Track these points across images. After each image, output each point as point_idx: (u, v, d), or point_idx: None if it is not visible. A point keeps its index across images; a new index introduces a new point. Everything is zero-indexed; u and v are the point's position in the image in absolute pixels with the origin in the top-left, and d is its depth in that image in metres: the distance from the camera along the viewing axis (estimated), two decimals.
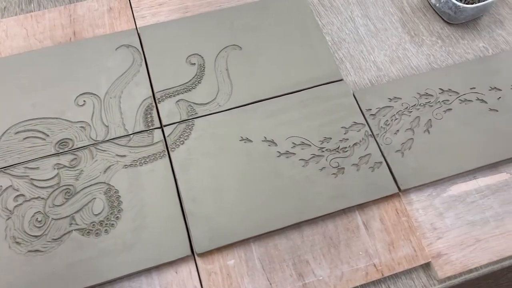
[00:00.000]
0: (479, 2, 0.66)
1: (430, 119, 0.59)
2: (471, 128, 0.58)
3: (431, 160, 0.56)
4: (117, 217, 0.52)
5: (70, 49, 0.64)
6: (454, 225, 0.53)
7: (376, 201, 0.55)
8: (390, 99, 0.60)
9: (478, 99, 0.60)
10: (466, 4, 0.67)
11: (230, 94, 0.61)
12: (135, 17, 0.68)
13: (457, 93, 0.61)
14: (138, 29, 0.66)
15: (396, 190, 0.54)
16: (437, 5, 0.68)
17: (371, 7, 0.70)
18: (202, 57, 0.63)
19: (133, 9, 0.68)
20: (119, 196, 0.54)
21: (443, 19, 0.69)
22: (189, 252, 0.51)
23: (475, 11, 0.66)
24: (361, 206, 0.54)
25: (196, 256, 0.51)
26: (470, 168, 0.56)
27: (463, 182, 0.56)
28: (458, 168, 0.56)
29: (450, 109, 0.60)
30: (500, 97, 0.60)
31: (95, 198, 0.53)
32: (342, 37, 0.68)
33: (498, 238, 0.52)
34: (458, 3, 0.64)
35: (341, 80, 0.62)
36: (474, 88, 0.61)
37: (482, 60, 0.64)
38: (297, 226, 0.53)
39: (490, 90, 0.61)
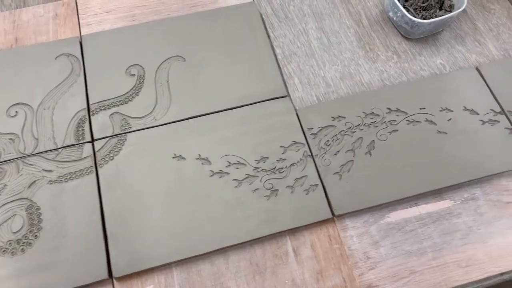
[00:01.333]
0: (437, 17, 0.63)
1: (373, 140, 0.56)
2: (416, 151, 0.55)
3: (370, 185, 0.53)
4: (36, 235, 0.50)
5: (9, 57, 0.62)
6: (389, 254, 0.50)
7: (309, 226, 0.52)
8: (334, 118, 0.58)
9: (427, 120, 0.57)
10: (423, 19, 0.64)
11: (168, 108, 0.58)
12: (80, 24, 0.66)
13: (405, 113, 0.58)
14: (81, 37, 0.64)
15: (330, 215, 0.52)
16: (394, 18, 0.65)
17: (327, 19, 0.68)
18: (143, 68, 0.61)
19: (79, 16, 0.66)
20: (40, 213, 0.51)
21: (401, 33, 0.66)
22: (106, 276, 0.48)
23: (433, 26, 0.63)
24: (292, 231, 0.52)
25: (114, 280, 0.49)
26: (411, 194, 0.53)
27: (403, 209, 0.53)
28: (398, 193, 0.53)
29: (396, 130, 0.57)
30: (450, 119, 0.57)
31: (15, 214, 0.51)
32: (294, 51, 0.65)
33: (434, 271, 0.50)
34: (414, 18, 0.61)
35: (286, 96, 0.60)
36: (424, 108, 0.58)
37: (437, 78, 0.61)
38: (223, 250, 0.51)
39: (441, 110, 0.58)
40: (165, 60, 0.62)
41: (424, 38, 0.66)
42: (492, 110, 0.58)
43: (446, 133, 0.56)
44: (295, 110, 0.58)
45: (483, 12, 0.69)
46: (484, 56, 0.64)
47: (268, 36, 0.66)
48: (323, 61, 0.64)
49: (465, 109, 0.58)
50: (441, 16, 0.63)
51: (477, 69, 0.61)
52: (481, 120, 0.57)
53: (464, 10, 0.68)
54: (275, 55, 0.64)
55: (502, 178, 0.55)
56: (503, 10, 0.69)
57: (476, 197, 0.54)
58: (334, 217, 0.52)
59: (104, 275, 0.48)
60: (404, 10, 0.61)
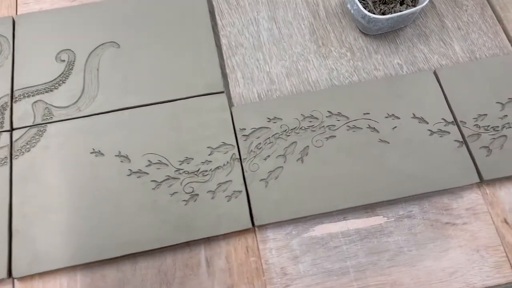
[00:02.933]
0: (396, 12, 0.57)
1: (307, 146, 0.52)
2: (352, 161, 0.51)
3: (297, 194, 0.49)
4: None
5: None
6: (307, 272, 0.47)
7: (226, 236, 0.49)
8: (270, 119, 0.53)
9: (369, 126, 0.53)
10: (382, 13, 0.58)
11: (94, 98, 0.55)
12: (17, 3, 0.62)
13: (347, 117, 0.53)
14: (15, 17, 0.60)
15: (250, 225, 0.48)
16: (352, 11, 0.59)
17: (282, 8, 0.63)
18: (74, 53, 0.57)
19: None
20: None
21: (359, 28, 0.61)
22: (5, 275, 0.46)
23: (391, 22, 0.57)
24: (208, 240, 0.48)
25: (14, 280, 0.47)
26: (341, 207, 0.49)
27: (331, 222, 0.49)
28: (326, 206, 0.49)
29: (334, 136, 0.52)
30: (395, 127, 0.53)
31: None
32: (241, 42, 0.60)
33: None
34: (368, 13, 0.56)
35: (222, 92, 0.55)
36: (368, 113, 0.53)
37: (390, 80, 0.56)
38: (132, 256, 0.48)
39: (386, 117, 0.53)
40: (99, 46, 0.58)
41: (384, 34, 0.61)
42: (443, 119, 0.53)
43: (388, 143, 0.52)
44: (230, 108, 0.54)
45: (454, 8, 0.62)
46: (447, 58, 0.59)
47: (216, 24, 0.61)
48: (271, 55, 0.59)
49: (414, 116, 0.53)
50: (401, 11, 0.57)
51: (434, 72, 0.56)
52: (429, 130, 0.52)
53: (432, 5, 0.62)
54: (220, 46, 0.60)
55: (444, 196, 0.50)
56: (477, 7, 0.62)
57: (412, 215, 0.49)
58: (254, 228, 0.49)
59: (3, 274, 0.46)
60: (359, 4, 0.56)
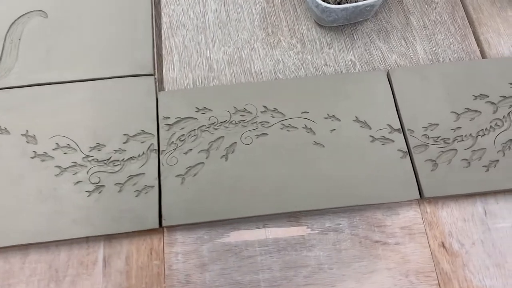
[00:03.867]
0: (353, 3, 0.51)
1: (235, 143, 0.47)
2: (281, 163, 0.46)
3: (215, 195, 0.44)
4: None
5: None
6: (213, 282, 0.42)
7: (131, 234, 0.44)
8: (198, 109, 0.48)
9: (306, 127, 0.47)
10: (338, 3, 0.53)
11: (10, 70, 0.50)
12: None
13: (283, 115, 0.48)
14: None
15: (157, 225, 0.43)
16: None
17: None
18: None
19: None
20: None
21: (314, 18, 0.55)
22: None
23: (347, 14, 0.52)
24: (109, 237, 0.44)
25: None
26: (261, 213, 0.44)
27: (248, 229, 0.44)
28: (245, 210, 0.44)
29: (266, 134, 0.47)
30: (334, 129, 0.47)
31: None
32: (183, 22, 0.55)
33: None
34: (321, 2, 0.50)
35: (151, 75, 0.50)
36: (307, 112, 0.48)
37: (338, 78, 0.50)
38: (24, 248, 0.43)
39: (326, 118, 0.48)
40: (25, 14, 0.53)
41: (341, 27, 0.55)
42: (389, 125, 0.47)
43: (323, 146, 0.47)
44: (156, 93, 0.49)
45: (423, 4, 0.57)
46: (407, 58, 0.53)
47: (159, 1, 0.56)
48: (214, 40, 0.54)
49: (356, 120, 0.48)
50: (357, 2, 0.51)
51: (388, 73, 0.50)
52: (371, 136, 0.47)
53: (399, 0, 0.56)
54: (160, 25, 0.55)
55: (378, 211, 0.45)
56: (448, 5, 0.57)
57: (339, 229, 0.44)
58: (164, 228, 0.44)
59: None
60: None
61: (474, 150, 0.46)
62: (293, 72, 0.52)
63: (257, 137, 0.47)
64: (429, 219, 0.45)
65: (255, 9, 0.56)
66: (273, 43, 0.54)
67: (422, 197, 0.45)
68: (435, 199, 0.46)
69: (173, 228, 0.44)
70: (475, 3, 0.57)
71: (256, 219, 0.44)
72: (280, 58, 0.53)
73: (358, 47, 0.54)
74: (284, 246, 0.43)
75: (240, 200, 0.44)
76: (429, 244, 0.44)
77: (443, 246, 0.44)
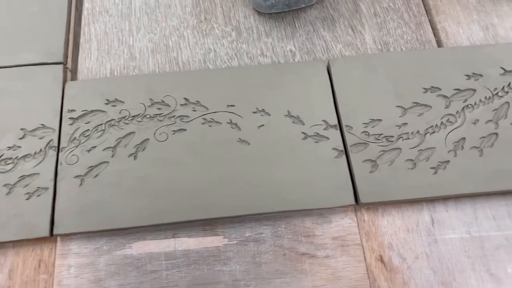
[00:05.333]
0: None
1: (147, 139, 0.41)
2: (199, 162, 0.40)
3: (118, 199, 0.38)
4: None
5: None
6: None
7: (18, 243, 0.38)
8: (109, 101, 0.42)
9: (231, 122, 0.41)
10: None
11: None
12: None
13: (206, 108, 0.42)
14: None
15: (47, 234, 0.37)
16: None
17: None
18: None
19: None
20: None
21: (252, 5, 0.50)
22: None
23: None
24: None
25: None
26: (170, 220, 0.38)
27: (155, 239, 0.38)
28: (152, 217, 0.38)
29: (184, 129, 0.41)
30: (262, 125, 0.41)
31: None
32: (107, 8, 0.49)
33: None
34: None
35: (60, 63, 0.44)
36: (234, 106, 0.42)
37: (272, 69, 0.44)
38: None
39: (255, 112, 0.42)
40: None
41: (282, 15, 0.49)
42: (324, 121, 0.41)
43: (249, 144, 0.40)
44: (63, 83, 0.43)
45: None
46: (353, 48, 0.47)
47: None
48: (139, 26, 0.48)
49: (288, 114, 0.42)
50: None
51: (328, 64, 0.45)
52: (303, 133, 0.41)
53: None
54: (81, 10, 0.49)
55: (307, 218, 0.39)
56: None
57: (261, 239, 0.38)
58: (56, 237, 0.38)
59: None
60: None
61: (421, 150, 0.40)
62: (225, 62, 0.46)
63: (173, 133, 0.41)
64: (367, 229, 0.38)
65: None
66: (205, 30, 0.48)
67: (358, 203, 0.38)
68: (375, 206, 0.39)
69: (68, 237, 0.38)
70: None
71: (165, 227, 0.38)
72: (212, 47, 0.47)
73: (300, 36, 0.48)
74: (195, 259, 0.37)
75: (147, 205, 0.38)
76: (364, 258, 0.37)
77: (381, 260, 0.37)
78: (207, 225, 0.39)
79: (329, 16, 0.49)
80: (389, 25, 0.49)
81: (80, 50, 0.47)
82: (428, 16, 0.50)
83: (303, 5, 0.49)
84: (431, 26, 0.49)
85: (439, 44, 0.48)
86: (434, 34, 0.49)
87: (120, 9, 0.50)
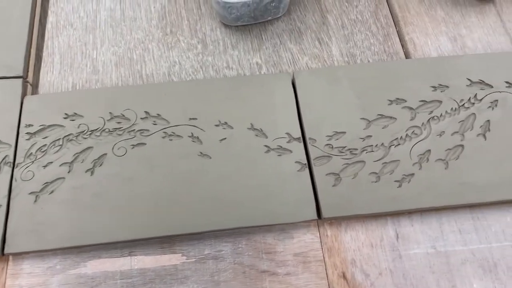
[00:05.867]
0: None
1: (105, 154, 0.40)
2: (159, 178, 0.39)
3: (72, 216, 0.37)
4: None
5: None
6: None
7: None
8: (67, 116, 0.41)
9: (192, 135, 0.41)
10: None
11: None
12: None
13: (167, 122, 0.41)
14: None
15: None
16: None
17: None
18: None
19: None
20: None
21: (219, 18, 0.49)
22: None
23: (251, 10, 0.46)
24: None
25: None
26: (126, 238, 0.37)
27: (111, 257, 0.37)
28: (107, 235, 0.37)
29: (144, 143, 0.40)
30: (224, 139, 0.41)
31: None
32: (71, 21, 0.49)
33: None
34: None
35: (20, 77, 0.43)
36: (195, 119, 0.41)
37: (234, 82, 0.44)
38: None
39: (217, 125, 0.41)
40: None
41: (249, 27, 0.49)
42: (288, 134, 0.41)
43: (210, 158, 0.40)
44: (22, 97, 0.42)
45: (343, 2, 0.51)
46: (319, 61, 0.47)
47: None
48: (103, 40, 0.48)
49: (251, 127, 0.41)
50: None
51: (293, 76, 0.44)
52: (266, 146, 0.40)
53: None
54: (45, 24, 0.48)
55: (269, 234, 0.38)
56: (371, 2, 0.51)
57: (220, 256, 0.37)
58: (8, 256, 0.36)
59: None
60: None
61: (386, 162, 0.39)
62: (190, 75, 0.46)
63: (132, 148, 0.40)
64: (329, 244, 0.37)
65: (154, 7, 0.50)
66: (171, 43, 0.48)
67: (321, 218, 0.38)
68: (338, 220, 0.38)
69: (20, 256, 0.37)
70: (401, 0, 0.51)
71: (121, 245, 0.37)
72: (177, 60, 0.47)
73: (266, 48, 0.48)
74: (151, 278, 0.36)
75: (103, 223, 0.37)
76: (327, 275, 0.36)
77: (344, 277, 0.36)
78: (165, 242, 0.37)
79: (296, 28, 0.49)
80: (357, 37, 0.49)
81: (42, 63, 0.46)
82: (396, 28, 0.49)
83: (269, 18, 0.48)
84: (399, 37, 0.49)
85: (407, 55, 0.48)
86: (402, 46, 0.48)
87: (85, 22, 0.49)
